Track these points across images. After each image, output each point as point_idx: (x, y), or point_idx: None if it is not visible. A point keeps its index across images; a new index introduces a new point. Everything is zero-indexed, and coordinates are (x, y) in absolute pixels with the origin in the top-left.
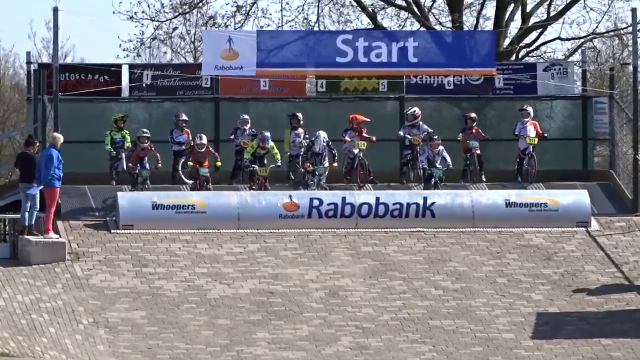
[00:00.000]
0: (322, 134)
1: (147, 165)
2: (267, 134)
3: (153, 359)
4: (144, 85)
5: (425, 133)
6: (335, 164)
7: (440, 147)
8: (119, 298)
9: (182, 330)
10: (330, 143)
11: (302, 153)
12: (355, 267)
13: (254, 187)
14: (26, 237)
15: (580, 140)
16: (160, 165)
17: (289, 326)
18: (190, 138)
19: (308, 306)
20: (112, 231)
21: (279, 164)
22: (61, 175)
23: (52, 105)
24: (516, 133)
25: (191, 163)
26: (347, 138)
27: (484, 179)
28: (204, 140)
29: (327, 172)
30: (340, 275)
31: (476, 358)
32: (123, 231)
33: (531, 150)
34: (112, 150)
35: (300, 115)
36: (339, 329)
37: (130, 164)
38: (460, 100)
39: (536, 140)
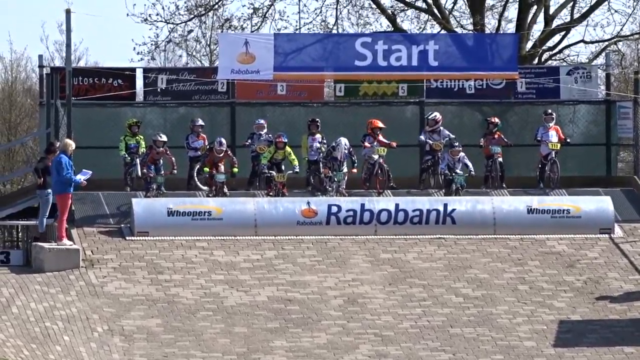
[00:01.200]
0: (344, 141)
1: (162, 171)
2: (284, 135)
3: None
4: (158, 89)
5: (447, 139)
6: (355, 170)
7: (462, 154)
8: (134, 306)
9: (198, 338)
10: (351, 149)
11: (321, 159)
12: (375, 274)
13: (271, 194)
14: (40, 244)
15: (604, 145)
16: (175, 171)
17: (306, 334)
18: (207, 143)
19: (326, 314)
20: (127, 238)
21: (297, 169)
22: (72, 181)
23: (65, 109)
24: (538, 138)
25: (207, 169)
26: (366, 144)
27: (504, 186)
28: (224, 144)
29: (346, 178)
30: (359, 283)
31: None
32: (138, 238)
33: (553, 155)
34: (127, 156)
35: (319, 120)
36: (357, 337)
37: (144, 170)
38: (481, 105)
39: (558, 145)
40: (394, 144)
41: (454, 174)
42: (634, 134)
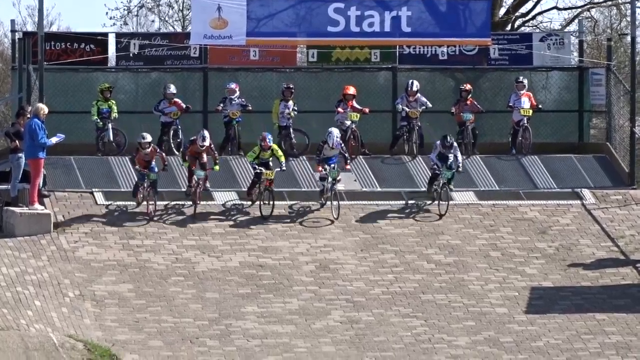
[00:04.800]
0: (335, 132)
1: (155, 169)
2: (268, 135)
3: (140, 332)
4: (131, 54)
5: (424, 107)
6: (348, 167)
7: (454, 145)
8: (106, 271)
9: (169, 303)
10: (342, 144)
11: (315, 157)
12: (346, 240)
13: (260, 189)
14: (11, 208)
15: (577, 112)
16: (167, 167)
17: (278, 300)
18: (182, 107)
19: (298, 279)
20: (99, 203)
21: (284, 167)
22: (46, 145)
23: (37, 74)
24: (510, 105)
25: (187, 163)
26: (339, 109)
27: (477, 153)
28: (207, 140)
29: (340, 176)
30: (331, 249)
31: (468, 332)
32: (110, 202)
33: (525, 122)
34: (99, 120)
35: (293, 88)
36: (329, 303)
37: (137, 167)
38: (454, 71)
39: (530, 112)
40: (367, 110)
41: (442, 170)
42: (607, 100)
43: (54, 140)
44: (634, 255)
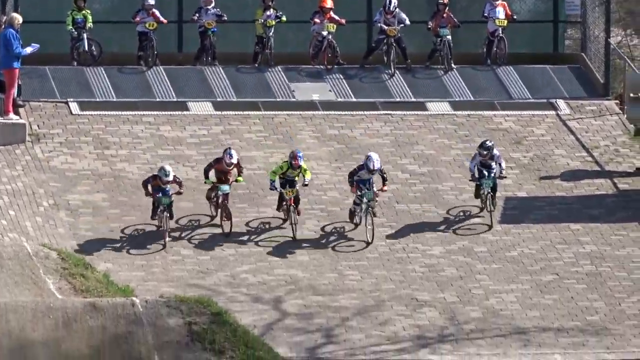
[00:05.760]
0: (375, 157)
1: (170, 191)
2: (299, 153)
3: (114, 241)
4: None
5: (402, 25)
6: (385, 188)
7: (496, 153)
8: (80, 180)
9: (144, 213)
10: (382, 168)
11: (347, 177)
12: (321, 150)
13: (283, 211)
14: None
15: (552, 22)
16: (182, 191)
17: (252, 209)
18: (159, 19)
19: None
20: (74, 113)
21: (307, 182)
22: (20, 55)
23: None
24: (485, 15)
25: (211, 180)
26: (316, 20)
27: (453, 66)
28: (234, 159)
29: (376, 199)
30: (306, 159)
31: (443, 242)
32: (84, 112)
33: (500, 32)
34: (74, 30)
35: None
36: (304, 213)
37: (149, 191)
38: None
39: (505, 22)
40: (344, 21)
41: (482, 179)
42: (582, 10)
43: (28, 50)
44: (608, 166)
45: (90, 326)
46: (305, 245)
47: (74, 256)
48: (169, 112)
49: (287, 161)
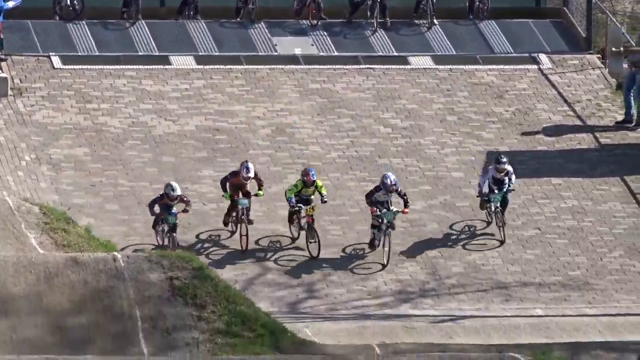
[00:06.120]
0: (392, 176)
1: (175, 211)
2: (312, 170)
3: (96, 196)
4: None
5: None
6: (407, 210)
7: (509, 168)
8: (62, 134)
9: (126, 167)
10: (400, 189)
11: (365, 199)
12: (303, 104)
13: (302, 228)
14: None
15: None
16: (189, 209)
17: (234, 164)
18: None
19: (254, 143)
20: (56, 67)
21: (326, 199)
22: (2, 9)
23: None
24: None
25: (228, 194)
26: None
27: (436, 22)
28: (252, 171)
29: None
30: (288, 113)
31: (424, 196)
32: (66, 66)
33: None
34: None
35: None
36: (285, 167)
37: (155, 211)
38: None
39: None
40: None
41: (491, 194)
42: None
43: (10, 4)
44: (590, 120)
45: (71, 281)
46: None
47: (55, 211)
48: (151, 66)
49: (300, 179)
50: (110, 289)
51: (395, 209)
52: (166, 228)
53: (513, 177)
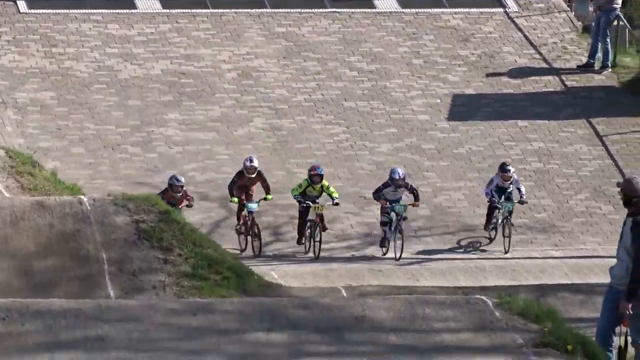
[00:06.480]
0: (400, 170)
1: (179, 205)
2: (320, 167)
3: (62, 139)
4: None
5: None
6: (418, 203)
7: (514, 177)
8: (28, 78)
9: (92, 111)
10: (410, 184)
11: (373, 195)
12: (269, 48)
13: (310, 229)
14: None
15: None
16: (192, 204)
17: (200, 107)
18: None
19: (220, 87)
20: (22, 11)
21: (337, 201)
22: None
23: None
24: None
25: (235, 199)
26: None
27: None
28: (255, 162)
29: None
30: (254, 56)
31: (390, 139)
32: (32, 10)
33: None
34: None
35: None
36: (251, 110)
37: None
38: None
39: None
40: None
41: (502, 202)
42: None
43: None
44: (556, 63)
45: (37, 224)
46: (254, 142)
47: (21, 154)
48: (116, 10)
49: (306, 179)
50: (77, 232)
51: (406, 202)
52: None
53: (522, 187)
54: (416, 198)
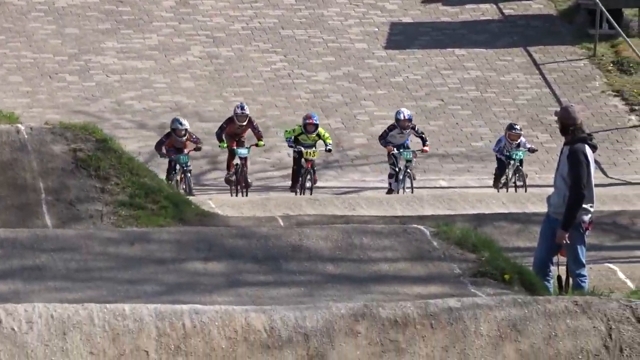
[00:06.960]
0: (405, 110)
1: (186, 150)
2: (315, 115)
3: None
4: None
5: None
6: (427, 148)
7: (522, 139)
8: None
9: (29, 39)
10: (417, 127)
11: (379, 140)
12: None
13: (301, 177)
14: None
15: None
16: (201, 146)
17: (138, 35)
18: None
19: (158, 15)
20: None
21: (330, 147)
22: None
23: None
24: None
25: (224, 144)
26: None
27: None
28: (246, 110)
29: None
30: None
31: (328, 68)
32: None
33: None
34: None
35: None
36: (189, 38)
37: (163, 153)
38: None
39: None
40: None
41: (511, 155)
42: None
43: None
44: None
45: None
46: (191, 70)
47: None
48: None
49: (300, 125)
50: (14, 161)
51: (412, 149)
52: (179, 169)
53: (529, 145)
54: (424, 142)
